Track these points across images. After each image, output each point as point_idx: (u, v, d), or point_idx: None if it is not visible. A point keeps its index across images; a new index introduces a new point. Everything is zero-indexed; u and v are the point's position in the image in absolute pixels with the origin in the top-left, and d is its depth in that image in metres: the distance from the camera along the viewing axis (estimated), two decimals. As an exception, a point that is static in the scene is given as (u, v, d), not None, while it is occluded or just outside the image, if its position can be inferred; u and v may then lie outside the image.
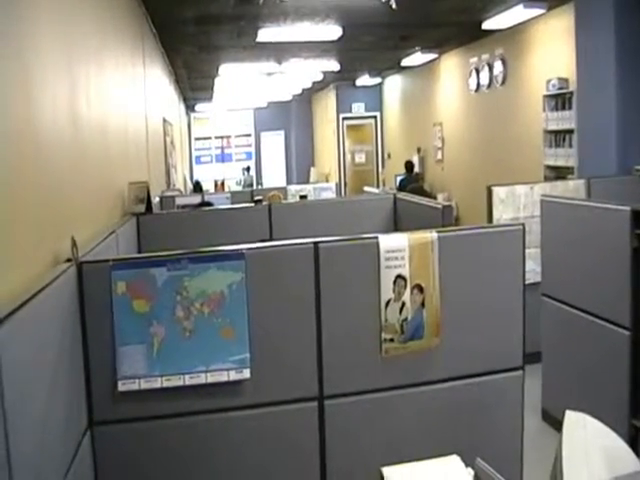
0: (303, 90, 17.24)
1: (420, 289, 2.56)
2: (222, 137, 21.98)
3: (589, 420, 1.59)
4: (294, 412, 2.50)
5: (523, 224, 2.79)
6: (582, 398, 4.03)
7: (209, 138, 21.91)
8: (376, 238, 2.55)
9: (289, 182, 19.46)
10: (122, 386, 2.32)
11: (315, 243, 2.51)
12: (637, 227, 3.65)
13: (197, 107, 20.31)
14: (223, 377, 2.39)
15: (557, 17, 8.19)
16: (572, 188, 5.96)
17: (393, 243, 2.55)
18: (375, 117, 17.34)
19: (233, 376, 2.40)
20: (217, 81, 14.07)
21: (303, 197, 6.52)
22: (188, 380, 2.37)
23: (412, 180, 12.09)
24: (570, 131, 7.79)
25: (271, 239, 4.44)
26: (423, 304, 2.56)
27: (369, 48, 11.12)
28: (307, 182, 16.07)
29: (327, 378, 2.52)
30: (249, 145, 22.06)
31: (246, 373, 2.41)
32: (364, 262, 2.54)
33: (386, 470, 1.99)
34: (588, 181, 6.09)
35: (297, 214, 4.60)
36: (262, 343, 2.43)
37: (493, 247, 2.71)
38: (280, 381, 2.48)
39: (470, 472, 1.95)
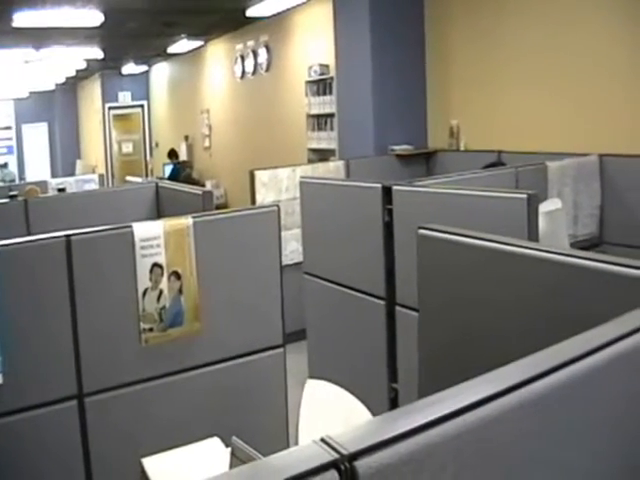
0: (67, 79, 16.51)
1: (177, 276, 2.56)
2: (-21, 131, 20.51)
3: (329, 386, 1.69)
4: (53, 414, 2.41)
5: (278, 205, 2.87)
6: (346, 368, 4.21)
7: (-36, 132, 20.35)
8: (130, 227, 2.51)
9: (54, 176, 18.55)
10: None
11: (67, 236, 2.43)
12: (388, 202, 3.86)
13: (-52, 99, 18.82)
14: (-27, 386, 2.26)
15: (318, 5, 8.47)
16: (332, 169, 6.20)
17: (148, 231, 2.53)
18: (142, 106, 17.01)
19: (-16, 383, 2.27)
20: (-32, 70, 13.13)
21: (61, 190, 6.23)
22: None
23: (182, 169, 12.06)
24: (331, 115, 8.11)
25: (29, 236, 4.22)
26: (181, 290, 2.57)
27: (133, 35, 10.88)
28: (74, 175, 15.44)
29: (86, 374, 2.45)
30: (10, 138, 20.75)
31: (-1, 378, 2.28)
32: (119, 252, 2.49)
33: (146, 461, 1.98)
34: (347, 162, 6.38)
35: (57, 208, 4.39)
36: (16, 345, 2.31)
37: (249, 229, 2.78)
38: (37, 383, 2.38)
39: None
